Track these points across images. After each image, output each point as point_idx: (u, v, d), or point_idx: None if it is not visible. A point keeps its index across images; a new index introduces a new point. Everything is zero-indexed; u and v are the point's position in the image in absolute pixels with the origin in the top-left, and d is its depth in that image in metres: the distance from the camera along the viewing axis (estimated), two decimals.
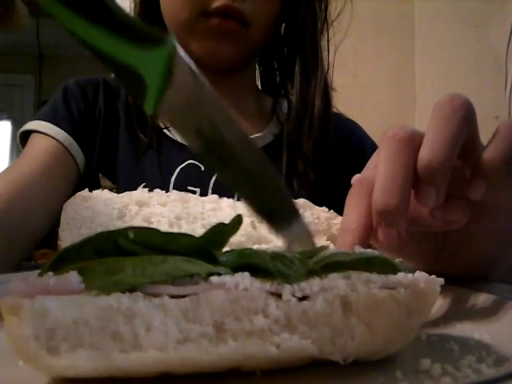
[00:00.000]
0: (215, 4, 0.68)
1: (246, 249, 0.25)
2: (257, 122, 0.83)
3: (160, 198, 0.45)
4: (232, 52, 0.73)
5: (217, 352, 0.21)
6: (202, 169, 0.75)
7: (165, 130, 0.79)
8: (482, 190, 0.34)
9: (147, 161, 0.77)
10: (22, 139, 0.77)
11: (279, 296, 0.23)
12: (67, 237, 0.39)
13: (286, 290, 0.23)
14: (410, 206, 0.34)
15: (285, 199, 0.32)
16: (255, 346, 0.21)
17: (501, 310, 0.32)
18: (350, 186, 0.38)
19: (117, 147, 0.78)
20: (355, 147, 0.85)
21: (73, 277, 0.21)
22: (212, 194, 0.48)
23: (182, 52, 0.28)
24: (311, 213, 0.50)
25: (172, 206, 0.44)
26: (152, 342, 0.20)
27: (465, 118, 0.34)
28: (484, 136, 0.36)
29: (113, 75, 0.83)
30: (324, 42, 0.81)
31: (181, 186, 0.66)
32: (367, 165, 0.40)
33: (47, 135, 0.73)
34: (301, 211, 0.32)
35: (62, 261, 0.23)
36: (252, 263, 0.23)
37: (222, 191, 0.49)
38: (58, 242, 0.40)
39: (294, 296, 0.23)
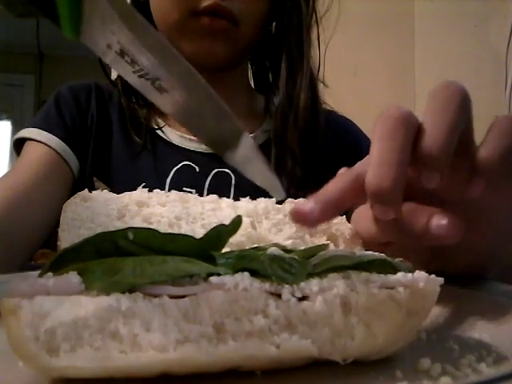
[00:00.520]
0: (204, 3, 0.69)
1: (245, 250, 0.25)
2: (250, 121, 0.83)
3: (160, 199, 0.45)
4: (225, 50, 0.73)
5: (217, 352, 0.21)
6: (197, 170, 0.75)
7: (159, 132, 0.78)
8: (480, 187, 0.34)
9: (142, 163, 0.76)
10: (16, 147, 0.77)
11: (279, 296, 0.23)
12: (67, 237, 0.39)
13: (286, 290, 0.23)
14: (404, 215, 0.34)
15: (227, 122, 0.31)
16: (255, 346, 0.21)
17: (500, 310, 0.32)
18: None
19: (110, 151, 0.78)
20: (350, 144, 0.84)
21: (72, 277, 0.21)
22: (208, 194, 0.47)
23: None
24: None
25: (172, 207, 0.44)
26: (152, 342, 0.20)
27: (462, 104, 0.33)
28: (484, 136, 0.36)
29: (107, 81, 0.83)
30: (314, 39, 0.81)
31: (176, 188, 0.66)
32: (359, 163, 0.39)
33: (40, 142, 0.73)
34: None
35: (62, 261, 0.23)
36: (251, 268, 0.23)
37: (218, 192, 0.49)
38: (58, 243, 0.40)
39: (293, 296, 0.23)
